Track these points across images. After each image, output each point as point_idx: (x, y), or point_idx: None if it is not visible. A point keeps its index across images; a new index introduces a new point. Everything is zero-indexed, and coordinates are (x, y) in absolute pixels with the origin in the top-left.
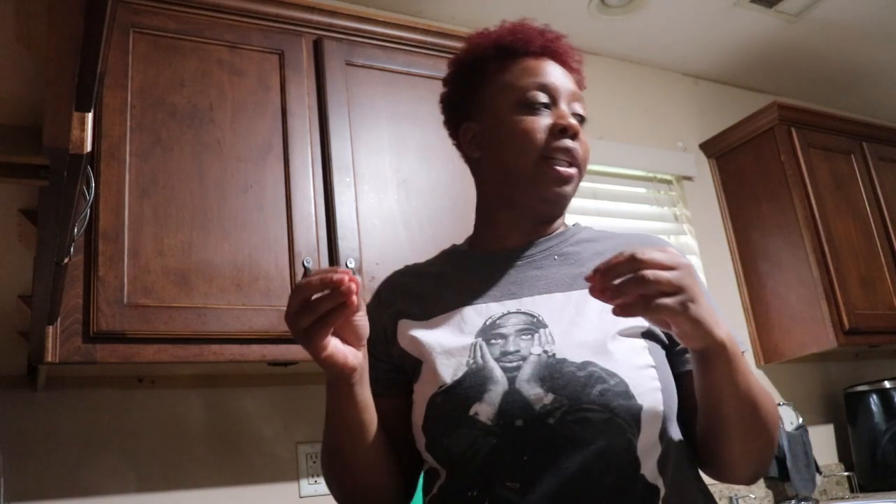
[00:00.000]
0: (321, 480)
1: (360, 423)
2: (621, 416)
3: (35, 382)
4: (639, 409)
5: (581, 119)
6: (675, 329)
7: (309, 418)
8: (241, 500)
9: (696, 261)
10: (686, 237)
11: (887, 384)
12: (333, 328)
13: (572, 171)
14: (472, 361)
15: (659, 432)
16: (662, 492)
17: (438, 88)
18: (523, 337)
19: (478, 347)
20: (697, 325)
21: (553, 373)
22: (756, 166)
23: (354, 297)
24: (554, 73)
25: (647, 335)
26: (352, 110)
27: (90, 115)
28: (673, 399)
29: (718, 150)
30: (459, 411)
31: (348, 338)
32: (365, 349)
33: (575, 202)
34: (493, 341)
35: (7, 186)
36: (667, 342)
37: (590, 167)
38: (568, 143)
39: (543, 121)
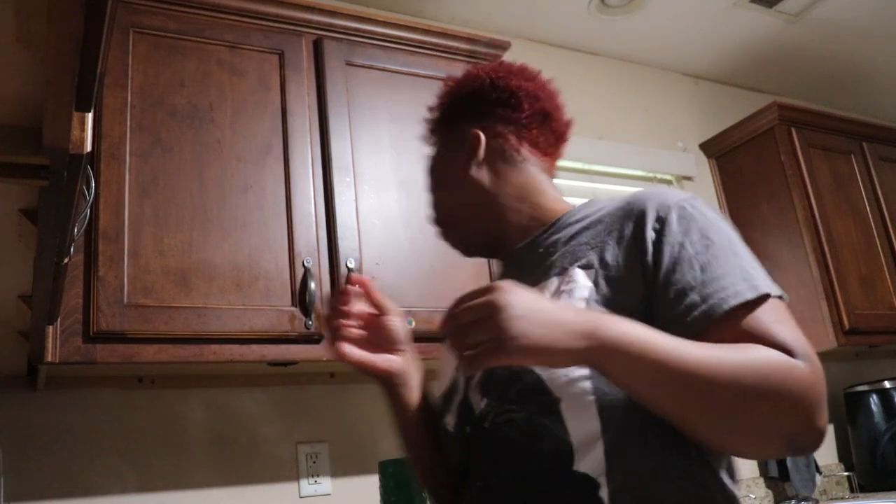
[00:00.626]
0: (321, 480)
1: (412, 424)
2: (539, 412)
3: (35, 382)
4: (555, 402)
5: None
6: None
7: (309, 418)
8: (241, 500)
9: None
10: None
11: (887, 384)
12: (366, 334)
13: (439, 232)
14: (454, 372)
15: (600, 422)
16: (605, 487)
17: (438, 88)
18: None
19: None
20: (534, 353)
21: (490, 377)
22: (756, 166)
23: (350, 297)
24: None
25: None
26: (352, 110)
27: (90, 115)
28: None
29: (718, 150)
30: (440, 422)
31: (382, 342)
32: (409, 352)
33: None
34: None
35: (7, 186)
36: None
37: (590, 167)
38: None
39: None
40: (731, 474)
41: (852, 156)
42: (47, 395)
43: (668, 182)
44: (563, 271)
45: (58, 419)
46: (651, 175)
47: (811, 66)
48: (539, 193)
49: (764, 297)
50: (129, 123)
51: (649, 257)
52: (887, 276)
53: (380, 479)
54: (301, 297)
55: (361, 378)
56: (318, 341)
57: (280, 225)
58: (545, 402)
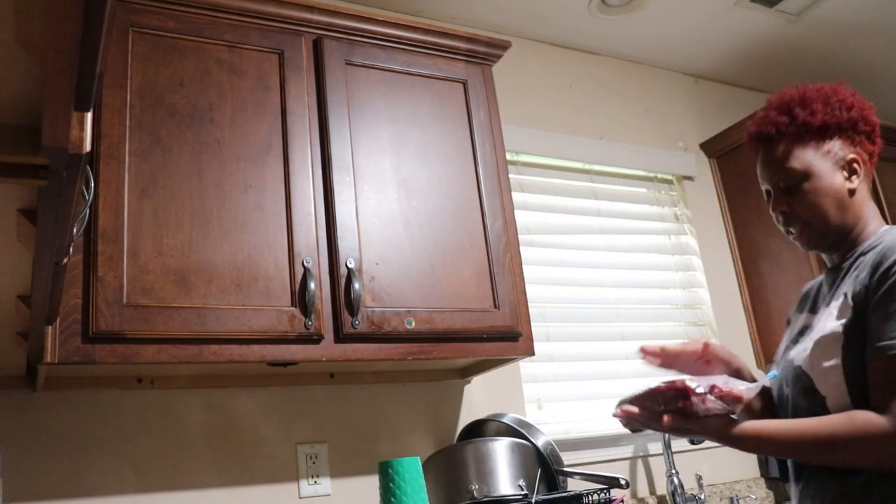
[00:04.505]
0: (321, 480)
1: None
2: (814, 405)
3: (34, 383)
4: (823, 399)
5: (790, 188)
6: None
7: (309, 418)
8: (240, 501)
9: (696, 261)
10: (686, 237)
11: None
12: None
13: (803, 232)
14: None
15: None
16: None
17: (438, 88)
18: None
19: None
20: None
21: (786, 378)
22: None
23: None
24: (761, 170)
25: (844, 339)
26: (352, 110)
27: (89, 115)
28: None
29: (719, 150)
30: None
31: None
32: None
33: (575, 202)
34: (790, 346)
35: (6, 186)
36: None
37: (590, 167)
38: (787, 220)
39: (772, 208)
40: None
41: None
42: (47, 396)
43: (669, 182)
44: (838, 296)
45: (57, 419)
46: (651, 175)
47: (811, 65)
48: (871, 217)
49: None
50: (128, 123)
51: (870, 294)
52: None
53: (380, 480)
54: (301, 298)
55: (361, 378)
56: (317, 341)
57: (280, 225)
58: (818, 398)
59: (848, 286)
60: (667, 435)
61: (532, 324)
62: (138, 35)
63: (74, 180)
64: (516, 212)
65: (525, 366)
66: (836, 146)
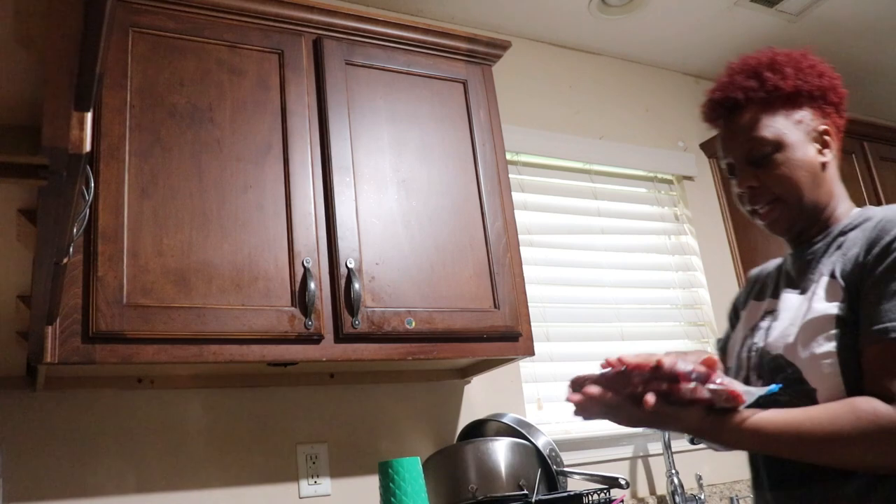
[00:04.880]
0: (321, 480)
1: None
2: (799, 397)
3: (34, 382)
4: (813, 391)
5: (760, 159)
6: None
7: (309, 418)
8: (240, 501)
9: (696, 261)
10: (686, 237)
11: None
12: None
13: (773, 210)
14: (738, 352)
15: None
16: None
17: (438, 88)
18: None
19: (746, 339)
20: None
21: (761, 367)
22: None
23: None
24: (724, 143)
25: (837, 321)
26: (352, 110)
27: (89, 115)
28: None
29: None
30: None
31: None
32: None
33: (575, 202)
34: (752, 333)
35: (6, 186)
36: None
37: (590, 167)
38: (755, 197)
39: (736, 186)
40: None
41: (853, 155)
42: (46, 396)
43: (669, 182)
44: (819, 278)
45: (57, 419)
46: (652, 175)
47: None
48: (842, 196)
49: None
50: (128, 123)
51: (866, 274)
52: None
53: (380, 480)
54: (301, 298)
55: (361, 378)
56: (317, 341)
57: (280, 225)
58: (805, 390)
59: (830, 266)
60: (666, 435)
61: (532, 324)
62: (138, 35)
63: (74, 180)
64: (516, 212)
65: (525, 366)
66: (807, 116)
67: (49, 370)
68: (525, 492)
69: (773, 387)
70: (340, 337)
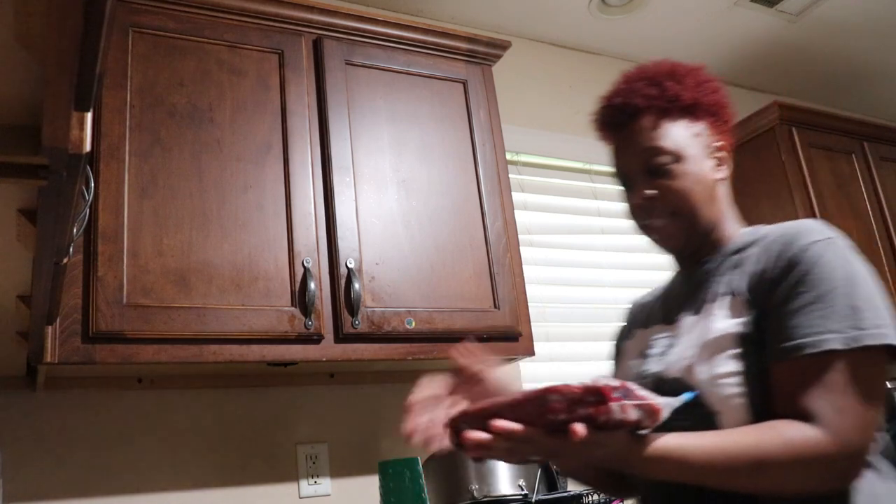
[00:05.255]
0: (321, 481)
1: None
2: (700, 423)
3: (34, 383)
4: (715, 414)
5: (659, 169)
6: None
7: (308, 419)
8: (240, 501)
9: None
10: None
11: (888, 385)
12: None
13: (668, 225)
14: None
15: None
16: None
17: (438, 88)
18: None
19: (637, 367)
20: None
21: (658, 389)
22: (757, 166)
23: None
24: (621, 153)
25: (739, 339)
26: (352, 110)
27: (89, 115)
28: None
29: None
30: None
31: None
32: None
33: (576, 202)
34: (644, 360)
35: (6, 186)
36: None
37: (591, 167)
38: (651, 210)
39: (629, 199)
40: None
41: (853, 155)
42: (46, 396)
43: None
44: (715, 297)
45: (57, 419)
46: None
47: (812, 65)
48: (732, 217)
49: (826, 354)
50: (128, 123)
51: (769, 290)
52: (888, 277)
53: (380, 480)
54: (301, 298)
55: (361, 378)
56: (317, 341)
57: (280, 225)
58: (705, 414)
59: (728, 285)
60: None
61: (532, 324)
62: (138, 35)
63: (74, 180)
64: (516, 212)
65: (525, 366)
66: (704, 130)
67: (49, 370)
68: (525, 492)
69: (688, 395)
70: (340, 337)
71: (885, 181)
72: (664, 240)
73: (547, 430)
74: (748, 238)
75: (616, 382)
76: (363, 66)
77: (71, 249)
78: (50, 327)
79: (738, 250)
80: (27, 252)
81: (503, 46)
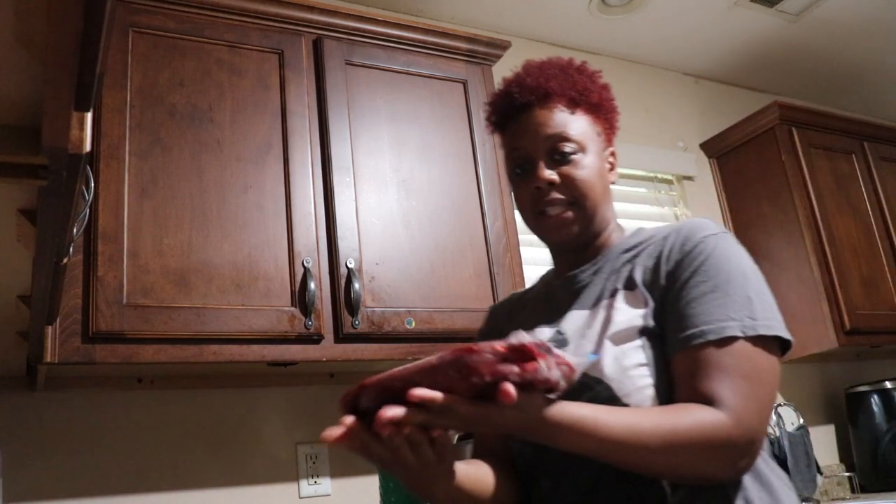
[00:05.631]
0: (321, 481)
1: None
2: None
3: (34, 383)
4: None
5: (565, 155)
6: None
7: (308, 419)
8: (240, 501)
9: None
10: None
11: (888, 384)
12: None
13: (566, 213)
14: None
15: None
16: (667, 487)
17: (438, 88)
18: None
19: None
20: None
21: None
22: (757, 166)
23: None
24: (525, 134)
25: (642, 332)
26: (352, 110)
27: (89, 115)
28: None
29: (719, 150)
30: None
31: None
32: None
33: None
34: None
35: (6, 186)
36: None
37: None
38: (550, 196)
39: (526, 183)
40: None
41: (853, 155)
42: (46, 396)
43: (669, 182)
44: (614, 292)
45: (57, 419)
46: (652, 175)
47: (812, 65)
48: (616, 223)
49: (727, 340)
50: (128, 123)
51: (665, 283)
52: (888, 276)
53: (380, 480)
54: (301, 298)
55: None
56: (317, 341)
57: (280, 225)
58: (616, 405)
59: (624, 280)
60: None
61: None
62: (138, 35)
63: (74, 180)
64: (516, 212)
65: None
66: (602, 132)
67: (49, 370)
68: None
69: (591, 356)
70: (340, 337)
71: (885, 181)
72: (557, 228)
73: (469, 395)
74: (637, 238)
75: (535, 339)
76: (363, 66)
77: (71, 249)
78: (50, 327)
79: (629, 249)
80: (27, 252)
81: (503, 46)
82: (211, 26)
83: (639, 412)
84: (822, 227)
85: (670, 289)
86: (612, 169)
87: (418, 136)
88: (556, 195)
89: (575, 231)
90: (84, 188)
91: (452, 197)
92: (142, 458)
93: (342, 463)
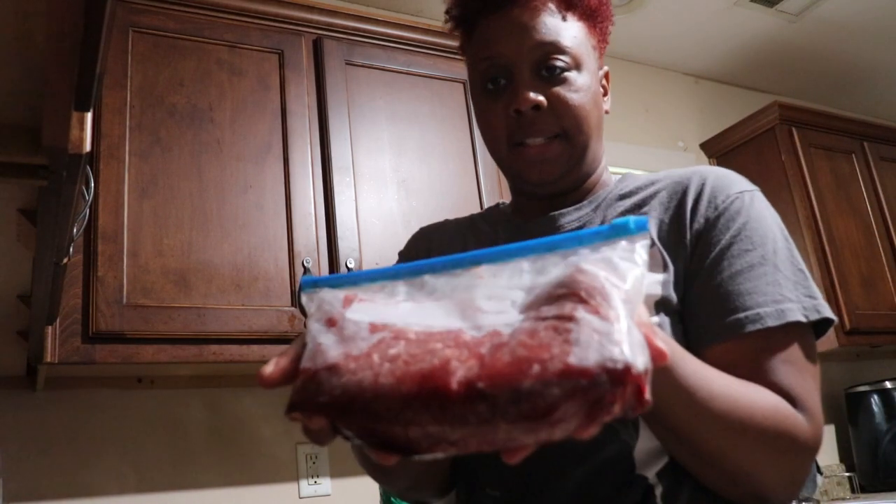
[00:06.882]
0: (321, 481)
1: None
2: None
3: (34, 383)
4: None
5: (556, 70)
6: None
7: None
8: (240, 501)
9: None
10: None
11: (888, 384)
12: None
13: (552, 146)
14: None
15: None
16: (659, 489)
17: (438, 88)
18: None
19: None
20: None
21: None
22: (757, 166)
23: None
24: (504, 38)
25: (660, 306)
26: (352, 110)
27: (89, 115)
28: None
29: (719, 150)
30: None
31: None
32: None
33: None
34: None
35: (6, 186)
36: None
37: None
38: (533, 122)
39: (502, 103)
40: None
41: (853, 155)
42: (47, 396)
43: None
44: None
45: (57, 419)
46: None
47: (812, 65)
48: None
49: (789, 326)
50: (128, 123)
51: (690, 245)
52: (888, 276)
53: None
54: (301, 298)
55: None
56: None
57: (280, 225)
58: None
59: None
60: None
61: None
62: (138, 35)
63: (74, 180)
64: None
65: None
66: (597, 48)
67: (49, 370)
68: None
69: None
70: None
71: (885, 181)
72: (539, 164)
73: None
74: (633, 183)
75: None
76: (363, 66)
77: (71, 249)
78: (50, 327)
79: (626, 195)
80: (27, 252)
81: None
82: (211, 26)
83: (729, 379)
84: (822, 227)
85: (703, 256)
86: (605, 94)
87: (418, 136)
88: (542, 121)
89: (558, 170)
90: (84, 188)
91: (452, 197)
92: (142, 458)
93: (342, 463)
